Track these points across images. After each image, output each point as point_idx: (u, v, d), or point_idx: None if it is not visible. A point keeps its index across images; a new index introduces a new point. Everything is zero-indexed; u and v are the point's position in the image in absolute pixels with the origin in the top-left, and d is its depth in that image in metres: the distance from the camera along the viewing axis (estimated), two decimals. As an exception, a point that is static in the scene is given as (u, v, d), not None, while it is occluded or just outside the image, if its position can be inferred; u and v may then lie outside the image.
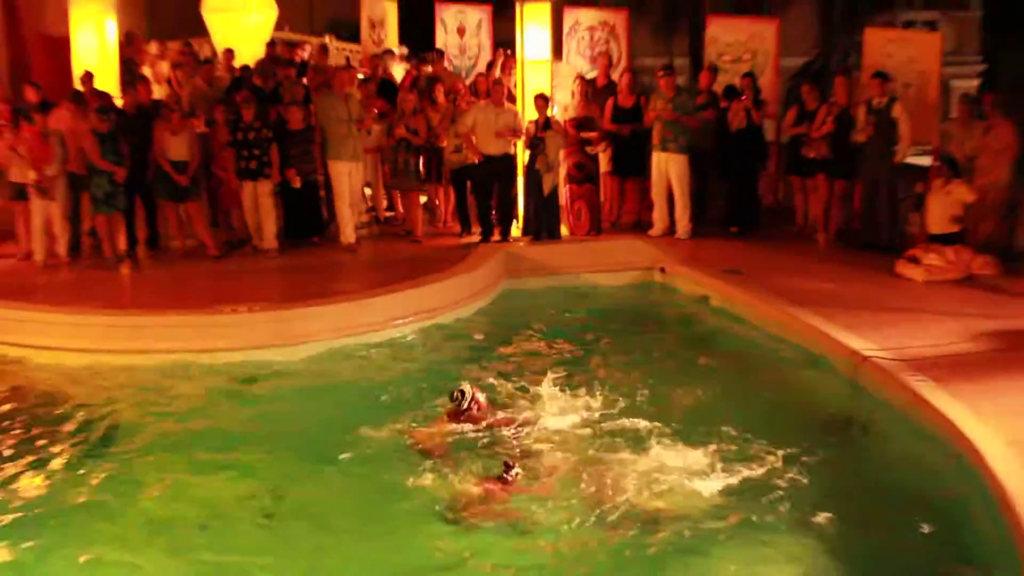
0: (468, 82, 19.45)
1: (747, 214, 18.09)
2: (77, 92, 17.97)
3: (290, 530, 10.90)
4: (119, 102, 18.07)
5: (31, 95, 18.10)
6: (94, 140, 16.57)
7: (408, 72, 20.46)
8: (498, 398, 13.00)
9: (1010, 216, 16.17)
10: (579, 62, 19.75)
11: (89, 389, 14.06)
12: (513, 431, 12.15)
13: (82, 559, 10.41)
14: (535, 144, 17.52)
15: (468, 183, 18.01)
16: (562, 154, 17.70)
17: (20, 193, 17.04)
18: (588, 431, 12.40)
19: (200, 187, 17.50)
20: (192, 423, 13.15)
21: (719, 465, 11.50)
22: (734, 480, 11.23)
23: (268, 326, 15.00)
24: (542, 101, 17.64)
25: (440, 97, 18.29)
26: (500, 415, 12.38)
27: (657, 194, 17.86)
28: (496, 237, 17.75)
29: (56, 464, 12.23)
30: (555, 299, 16.65)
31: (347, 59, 22.76)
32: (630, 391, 13.42)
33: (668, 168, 17.58)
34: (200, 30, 24.79)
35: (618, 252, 17.65)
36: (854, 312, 14.41)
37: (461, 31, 21.04)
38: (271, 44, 23.53)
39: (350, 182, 17.66)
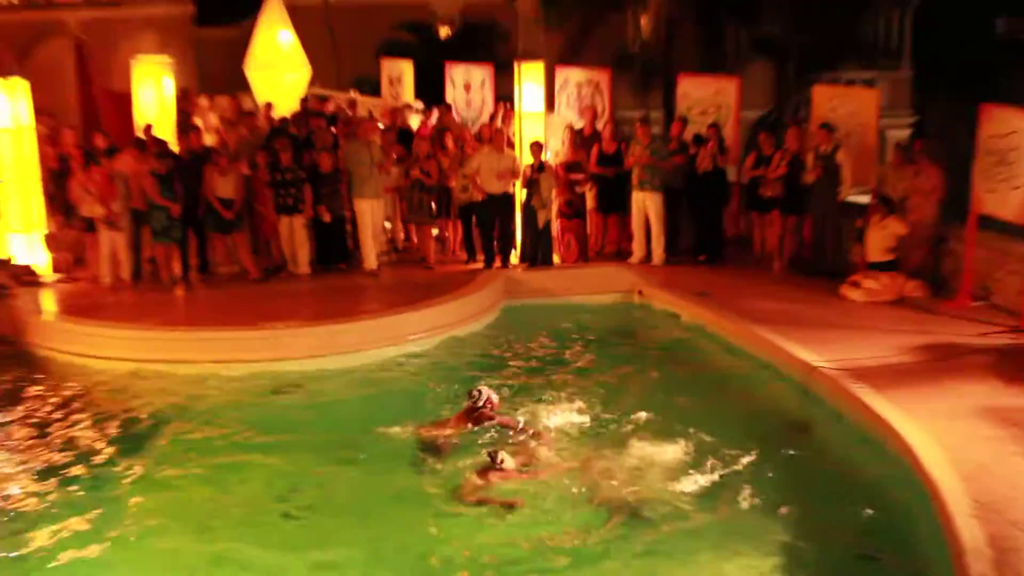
0: (473, 131, 19.46)
1: (713, 244, 18.07)
2: (139, 139, 17.98)
3: (312, 514, 10.92)
4: (175, 148, 18.07)
5: (100, 142, 18.15)
6: (153, 180, 16.58)
7: (422, 122, 20.49)
8: (500, 401, 12.99)
9: (937, 247, 16.17)
10: (568, 114, 19.75)
11: (147, 392, 14.09)
12: (513, 430, 12.16)
13: (131, 537, 10.48)
14: (531, 184, 17.53)
15: (473, 217, 18.01)
16: (554, 193, 17.70)
17: (90, 225, 17.05)
18: (576, 430, 12.41)
19: (244, 221, 17.48)
20: (236, 422, 13.14)
21: (689, 460, 11.51)
22: (702, 471, 11.23)
23: (302, 340, 14.99)
24: (537, 147, 17.67)
25: (449, 144, 18.31)
26: (504, 415, 12.38)
27: (636, 227, 17.86)
28: (497, 264, 17.75)
29: (116, 453, 12.29)
30: (548, 317, 16.62)
31: (369, 112, 22.75)
32: (612, 396, 13.43)
33: (645, 205, 17.59)
34: (243, 86, 24.87)
35: (602, 277, 17.63)
36: (805, 328, 14.41)
37: (467, 87, 21.05)
38: (304, 99, 23.60)
39: (372, 217, 17.66)
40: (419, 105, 21.82)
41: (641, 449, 11.64)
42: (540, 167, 17.51)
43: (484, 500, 10.88)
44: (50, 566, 10.00)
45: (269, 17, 25.56)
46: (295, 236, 17.42)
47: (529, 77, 18.46)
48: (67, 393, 14.13)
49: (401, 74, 23.20)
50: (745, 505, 10.62)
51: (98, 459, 12.18)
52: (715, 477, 11.12)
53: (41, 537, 10.50)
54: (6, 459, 12.18)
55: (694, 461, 11.44)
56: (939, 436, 10.91)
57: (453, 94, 21.17)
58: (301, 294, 16.84)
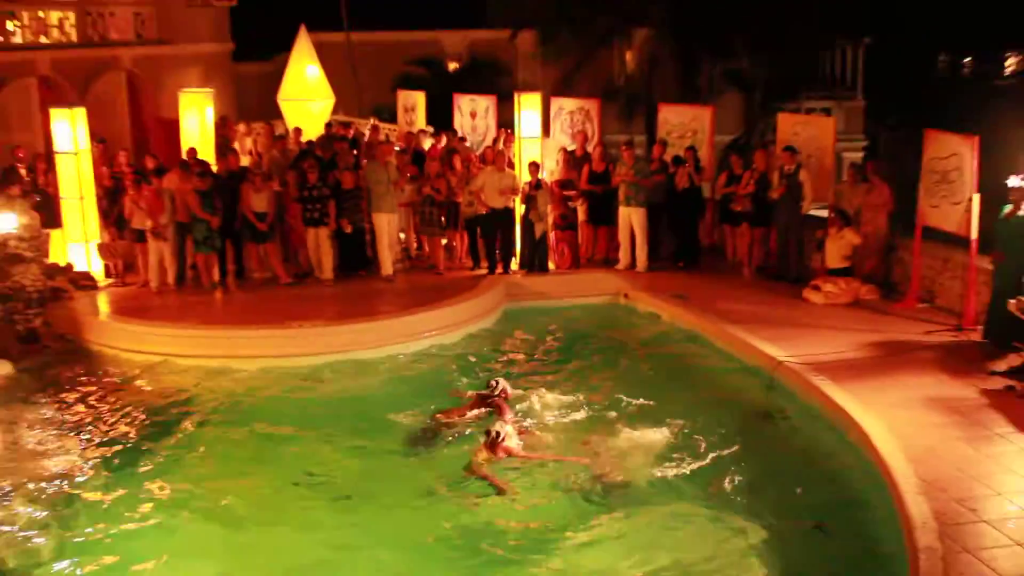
0: (478, 153, 19.37)
1: (690, 253, 17.96)
2: (184, 161, 17.89)
3: (328, 493, 10.92)
4: (215, 168, 17.99)
5: (149, 163, 18.09)
6: (196, 197, 16.50)
7: (433, 145, 20.39)
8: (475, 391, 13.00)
9: (887, 256, 16.09)
10: (562, 138, 19.64)
11: (189, 384, 14.07)
12: (512, 417, 12.10)
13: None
14: (529, 200, 17.45)
15: (478, 229, 17.92)
16: (549, 207, 17.62)
17: (140, 236, 16.99)
18: (567, 418, 12.39)
19: (275, 232, 17.40)
20: (267, 411, 13.19)
21: (669, 445, 11.51)
22: (680, 455, 11.24)
23: (327, 338, 14.94)
24: (534, 167, 17.59)
25: (457, 164, 18.22)
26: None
27: (622, 237, 17.75)
28: (499, 270, 17.65)
29: (157, 437, 12.32)
30: (544, 317, 16.54)
31: (386, 136, 22.67)
32: (600, 388, 13.42)
33: (631, 218, 17.49)
34: (276, 114, 24.81)
35: (592, 282, 17.53)
36: (772, 327, 14.36)
37: (473, 115, 20.95)
38: (328, 124, 23.52)
39: (389, 229, 17.58)
40: (430, 130, 21.74)
41: (626, 435, 11.62)
42: (537, 185, 17.44)
43: (485, 476, 10.83)
44: (88, 540, 10.02)
45: (299, 53, 25.48)
46: (320, 246, 17.34)
47: (528, 106, 18.38)
48: (118, 384, 14.14)
49: (415, 103, 23.10)
50: (717, 484, 10.61)
51: (142, 444, 12.18)
52: (691, 459, 11.10)
53: (80, 510, 10.49)
54: (61, 440, 12.16)
55: (673, 446, 11.42)
56: (891, 423, 10.90)
57: (460, 121, 21.09)
58: (325, 297, 16.75)
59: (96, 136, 18.69)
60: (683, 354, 14.89)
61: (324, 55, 26.58)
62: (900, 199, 16.14)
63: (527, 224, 17.57)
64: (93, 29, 26.77)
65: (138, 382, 14.19)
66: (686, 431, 11.70)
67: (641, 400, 12.73)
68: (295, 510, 10.58)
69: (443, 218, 18.07)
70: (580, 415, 12.37)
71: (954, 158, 14.55)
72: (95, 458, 11.69)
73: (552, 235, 17.98)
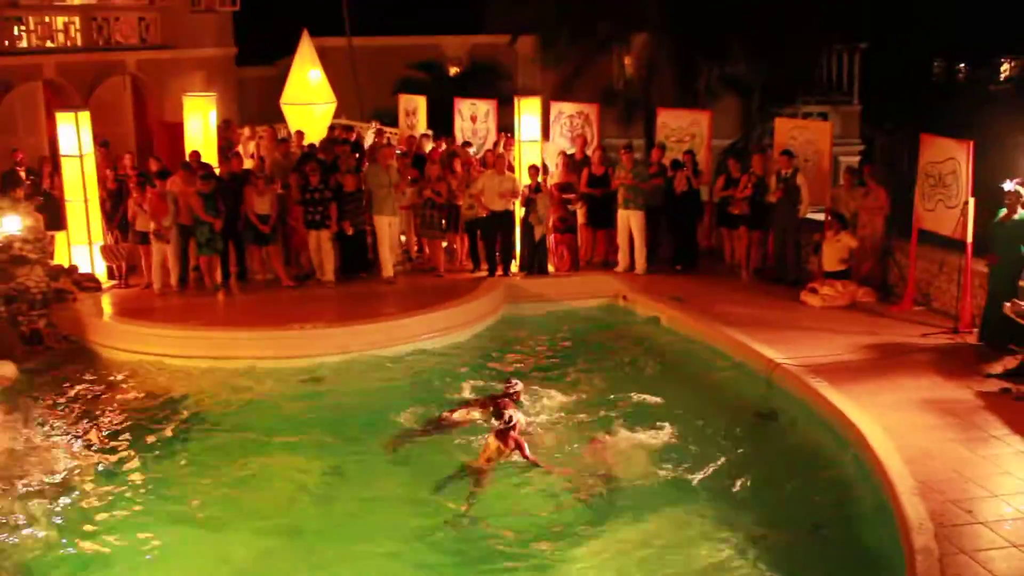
0: (478, 157, 19.33)
1: (688, 255, 17.93)
2: (187, 163, 17.88)
3: (331, 491, 10.88)
4: (218, 171, 17.96)
5: (153, 165, 18.04)
6: (199, 199, 16.47)
7: (434, 148, 20.35)
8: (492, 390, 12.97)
9: (884, 259, 16.08)
10: (562, 142, 19.63)
11: (191, 385, 14.04)
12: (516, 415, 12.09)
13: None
14: (529, 203, 17.42)
15: (478, 232, 17.89)
16: (549, 210, 17.59)
17: (144, 238, 16.95)
18: (569, 417, 12.37)
19: (278, 234, 17.37)
20: (269, 411, 13.18)
21: (667, 445, 11.52)
22: (679, 454, 11.27)
23: (328, 339, 14.92)
24: (534, 170, 17.56)
25: (458, 168, 18.19)
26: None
27: (621, 240, 17.71)
28: (499, 273, 17.62)
29: (161, 438, 12.30)
30: (544, 319, 16.55)
31: (388, 139, 22.63)
32: (599, 388, 13.42)
33: (629, 221, 17.45)
34: (278, 118, 24.78)
35: (591, 284, 17.50)
36: (769, 329, 14.33)
37: (473, 118, 20.91)
38: (331, 128, 23.48)
39: (390, 231, 17.55)
40: (429, 133, 21.72)
41: (624, 437, 11.62)
42: (537, 188, 17.41)
43: (483, 471, 10.83)
44: (98, 546, 9.98)
45: (302, 57, 25.45)
46: (322, 248, 17.31)
47: (527, 110, 18.37)
48: (121, 385, 14.12)
49: (416, 107, 23.07)
50: (714, 484, 10.62)
51: (145, 444, 12.17)
52: (689, 462, 11.10)
53: (85, 510, 10.47)
54: (64, 442, 12.14)
55: (671, 448, 11.42)
56: (886, 424, 10.89)
57: (461, 125, 21.06)
58: (327, 299, 16.72)
59: (100, 139, 18.66)
60: (681, 356, 14.86)
61: (326, 59, 26.57)
62: (896, 203, 16.14)
63: (527, 227, 17.54)
64: (98, 34, 26.76)
65: (140, 383, 14.16)
66: (684, 433, 11.69)
67: (639, 402, 12.73)
68: (298, 511, 10.56)
69: (444, 221, 18.04)
70: (578, 417, 12.35)
71: (950, 162, 14.53)
72: (97, 459, 11.67)
73: (552, 238, 17.95)
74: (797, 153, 16.97)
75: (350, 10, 32.57)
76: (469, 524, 10.02)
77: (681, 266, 17.85)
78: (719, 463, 11.00)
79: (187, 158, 18.30)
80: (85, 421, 12.75)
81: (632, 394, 12.98)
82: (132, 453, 11.83)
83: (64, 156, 17.40)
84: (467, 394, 13.11)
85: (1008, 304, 12.43)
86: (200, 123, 19.58)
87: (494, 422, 11.53)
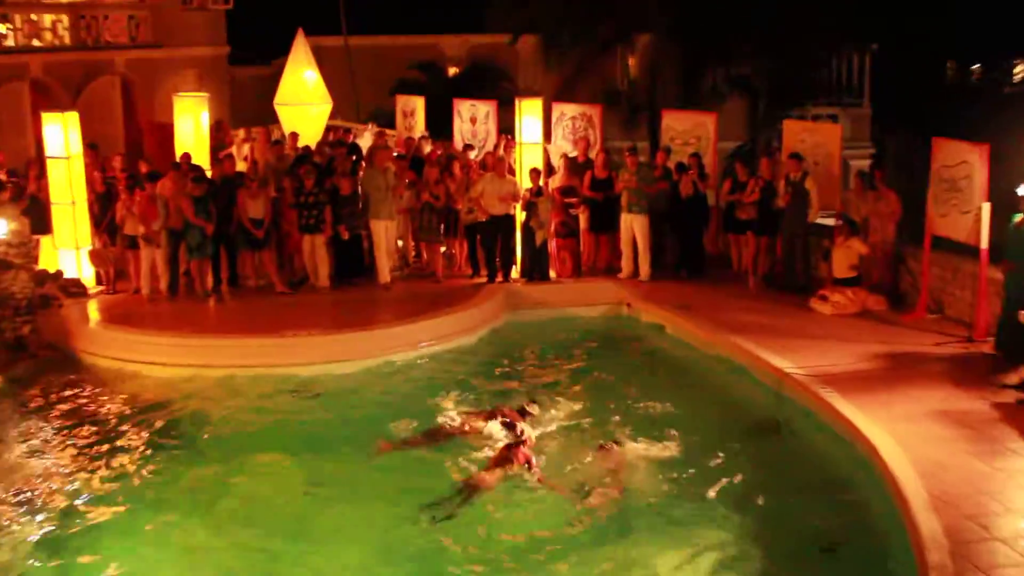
0: (478, 159, 19.30)
1: (694, 261, 17.89)
2: (176, 162, 17.88)
3: (325, 506, 10.81)
4: (209, 173, 17.93)
5: (143, 167, 18.03)
6: (190, 202, 16.44)
7: (432, 151, 20.33)
8: (504, 403, 12.90)
9: (895, 265, 16.05)
10: (564, 144, 19.62)
11: (182, 395, 13.99)
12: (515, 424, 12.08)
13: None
14: (530, 207, 17.39)
15: (478, 236, 17.86)
16: (551, 214, 17.56)
17: (132, 243, 16.92)
18: (572, 429, 12.32)
19: (271, 239, 17.34)
20: (261, 422, 13.13)
21: (672, 457, 11.48)
22: (684, 468, 11.22)
23: (323, 347, 14.89)
24: (535, 174, 17.54)
25: (457, 171, 18.17)
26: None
27: (624, 245, 17.68)
28: (499, 279, 17.58)
29: (149, 450, 12.24)
30: (545, 327, 16.50)
31: (385, 141, 22.62)
32: (602, 399, 13.36)
33: (633, 226, 17.42)
34: (271, 119, 24.75)
35: (594, 291, 17.47)
36: (777, 338, 14.28)
37: (473, 120, 20.91)
38: (327, 130, 23.45)
39: (386, 236, 17.52)
40: (426, 135, 21.72)
41: (628, 450, 11.55)
42: (538, 191, 17.38)
43: (483, 486, 10.79)
44: (83, 556, 9.93)
45: (296, 57, 25.43)
46: (316, 253, 17.27)
47: (529, 111, 18.33)
48: (108, 394, 14.07)
49: (414, 108, 23.08)
50: (721, 498, 10.55)
51: (134, 453, 12.12)
52: (695, 473, 11.05)
53: (73, 527, 10.43)
54: (50, 455, 12.09)
55: (676, 460, 11.38)
56: (899, 436, 10.84)
57: (460, 126, 21.04)
58: (321, 305, 16.69)
59: (88, 141, 18.61)
60: (687, 366, 14.83)
61: (322, 59, 26.56)
62: (908, 208, 16.12)
63: (528, 232, 17.50)
64: (87, 32, 26.77)
65: (129, 392, 14.10)
66: (690, 446, 11.64)
67: (643, 414, 12.69)
68: (288, 522, 10.49)
69: (442, 225, 18.01)
70: (581, 429, 12.29)
71: (963, 166, 14.51)
72: (82, 470, 11.62)
73: (553, 243, 17.92)
74: (806, 156, 16.94)
75: (347, 9, 32.63)
76: (464, 541, 9.96)
77: (687, 273, 17.81)
78: (726, 477, 10.94)
79: (178, 160, 18.27)
80: (70, 431, 12.69)
81: (636, 405, 12.94)
82: (118, 464, 11.77)
83: (51, 158, 17.37)
84: (466, 405, 13.06)
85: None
86: (191, 124, 19.54)
87: (501, 434, 11.49)
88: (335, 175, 17.74)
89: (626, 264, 17.75)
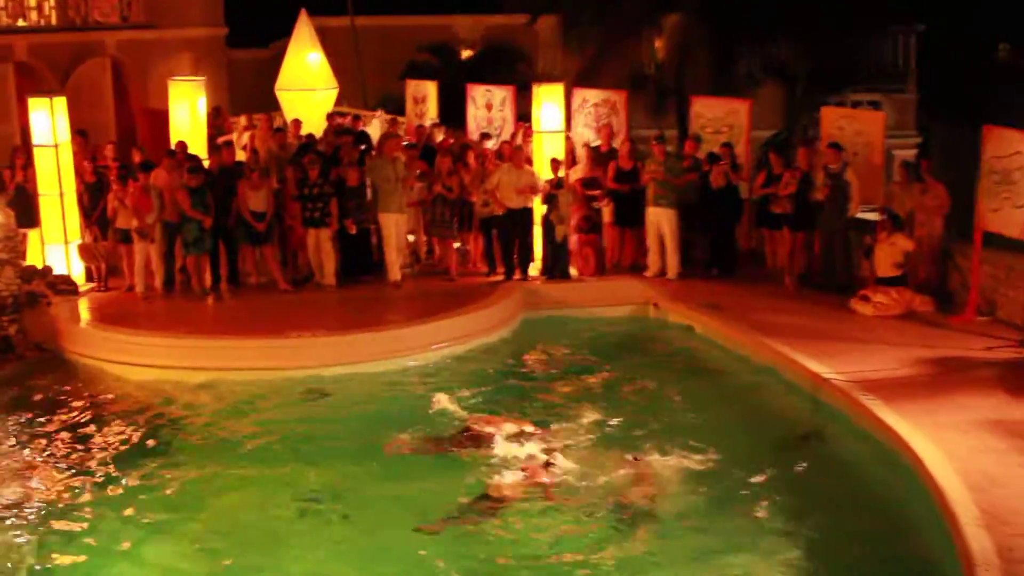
0: (494, 149, 19.35)
1: (726, 259, 17.91)
2: (171, 150, 17.98)
3: (331, 517, 10.86)
4: (206, 163, 18.03)
5: (136, 156, 18.12)
6: (186, 194, 16.53)
7: (443, 140, 20.39)
8: (521, 409, 12.94)
9: (943, 263, 16.04)
10: (586, 132, 19.66)
11: (178, 398, 14.08)
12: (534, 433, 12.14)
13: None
14: (550, 200, 17.43)
15: (494, 231, 17.91)
16: (572, 208, 17.59)
17: (125, 237, 17.00)
18: (593, 439, 12.34)
19: (273, 233, 17.42)
20: (262, 428, 13.17)
21: (703, 468, 11.49)
22: (715, 479, 11.23)
23: (328, 349, 14.96)
24: (555, 164, 17.59)
25: (471, 161, 18.23)
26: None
27: (651, 241, 17.72)
28: (517, 276, 17.63)
29: (142, 456, 12.32)
30: (565, 328, 16.55)
31: (397, 130, 22.68)
32: (628, 406, 13.40)
33: (660, 220, 17.46)
34: (273, 105, 24.84)
35: (618, 290, 17.52)
36: (815, 341, 14.29)
37: (488, 107, 20.97)
38: (331, 115, 23.52)
39: (396, 230, 17.58)
40: (436, 121, 21.79)
41: (655, 459, 11.57)
42: (559, 183, 17.41)
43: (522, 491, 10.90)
44: (70, 564, 10.01)
45: (299, 39, 25.51)
46: (322, 248, 17.34)
47: (548, 97, 18.38)
48: (99, 398, 14.17)
49: (425, 94, 23.15)
50: (755, 512, 10.56)
51: (124, 462, 12.19)
52: (727, 485, 11.07)
53: (61, 536, 10.50)
54: (38, 460, 12.17)
55: (706, 471, 11.40)
56: (947, 448, 10.83)
57: (474, 113, 21.09)
58: (327, 304, 16.77)
59: (77, 127, 18.71)
60: (717, 370, 14.85)
61: (326, 41, 26.62)
62: (957, 201, 16.08)
63: (547, 226, 17.55)
64: (75, 12, 26.83)
65: (121, 396, 14.20)
66: (720, 454, 11.66)
67: (671, 421, 12.72)
68: (289, 532, 10.57)
69: (456, 219, 18.06)
70: (604, 438, 12.32)
71: (1017, 156, 14.48)
72: (71, 478, 11.69)
73: (574, 238, 17.95)
74: (846, 146, 16.93)
75: (353, -13, 32.73)
76: (481, 553, 10.02)
77: (718, 270, 17.84)
78: (758, 489, 10.96)
79: (172, 148, 18.37)
80: (59, 437, 12.78)
81: (663, 412, 12.98)
82: (110, 471, 11.85)
83: (37, 146, 17.45)
84: (479, 411, 13.09)
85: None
86: (187, 110, 19.68)
87: (513, 449, 11.58)
88: (341, 165, 17.80)
89: (652, 261, 17.78)
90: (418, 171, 18.16)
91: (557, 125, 18.47)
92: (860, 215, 17.18)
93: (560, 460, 11.63)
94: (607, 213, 18.27)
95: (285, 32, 26.47)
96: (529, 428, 12.15)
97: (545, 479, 11.18)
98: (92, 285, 17.47)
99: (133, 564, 10.02)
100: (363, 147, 19.41)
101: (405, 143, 19.25)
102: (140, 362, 14.89)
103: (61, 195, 17.33)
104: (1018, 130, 14.70)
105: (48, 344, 15.72)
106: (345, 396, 14.03)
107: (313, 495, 11.30)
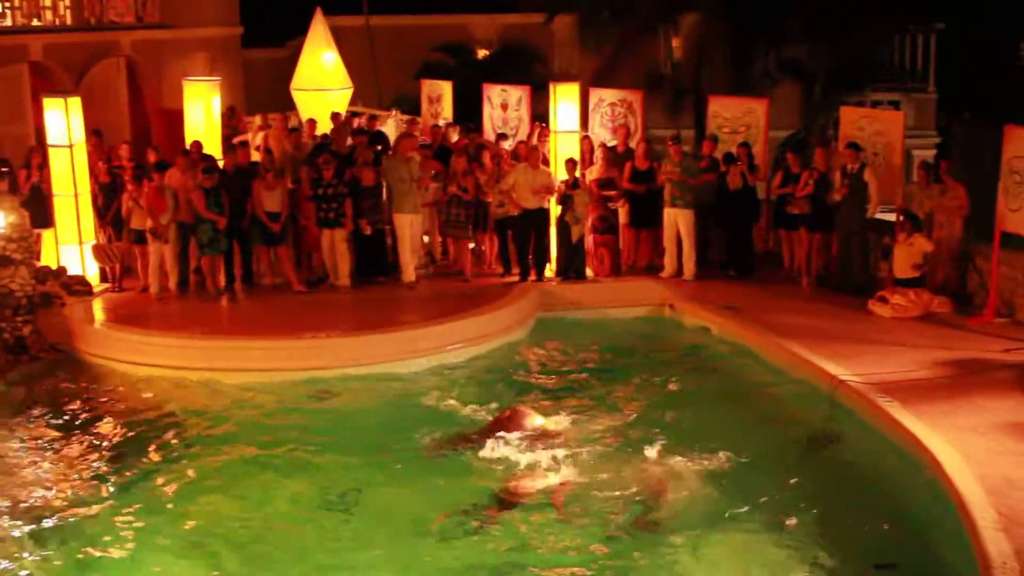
0: (510, 149, 19.35)
1: (743, 260, 17.90)
2: (185, 150, 18.05)
3: (348, 519, 10.89)
4: (221, 163, 18.08)
5: (151, 157, 18.17)
6: (201, 194, 16.58)
7: (459, 140, 20.40)
8: (537, 412, 12.96)
9: (962, 264, 16.00)
10: (602, 132, 19.65)
11: (192, 399, 14.12)
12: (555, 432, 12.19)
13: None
14: (565, 200, 17.44)
15: (509, 232, 17.92)
16: (587, 209, 17.60)
17: (140, 238, 17.06)
18: (610, 440, 12.35)
19: (288, 234, 17.46)
20: (277, 429, 13.20)
21: (719, 469, 11.48)
22: (731, 480, 11.21)
23: (343, 350, 15.00)
24: (571, 164, 17.59)
25: (487, 161, 18.24)
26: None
27: (667, 242, 17.72)
28: (532, 277, 17.64)
29: (157, 458, 12.37)
30: (581, 330, 16.55)
31: (414, 131, 22.69)
32: (643, 407, 13.40)
33: (677, 221, 17.46)
34: (288, 104, 24.87)
35: (634, 291, 17.53)
36: (832, 343, 14.28)
37: (504, 107, 20.95)
38: (336, 115, 23.57)
39: (411, 231, 17.61)
40: (450, 120, 21.79)
41: (671, 458, 11.58)
42: (575, 184, 17.42)
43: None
44: (78, 561, 10.11)
45: (314, 38, 25.49)
46: (336, 249, 17.37)
47: (564, 97, 18.40)
48: (112, 398, 14.23)
49: (440, 94, 23.13)
50: (771, 514, 10.55)
51: (136, 462, 12.26)
52: (744, 487, 11.06)
53: (76, 538, 10.54)
54: (51, 462, 12.21)
55: (721, 473, 11.39)
56: (965, 450, 10.81)
57: (490, 113, 21.10)
58: (341, 305, 16.81)
59: (92, 127, 18.78)
60: (734, 372, 14.84)
61: (342, 40, 26.61)
62: (977, 202, 16.02)
63: (563, 227, 17.56)
64: (90, 11, 26.90)
65: (135, 397, 14.26)
66: (736, 457, 11.65)
67: (687, 423, 12.71)
68: (301, 535, 10.61)
69: (471, 220, 18.07)
70: (619, 438, 12.33)
71: (1038, 157, 14.47)
72: (86, 480, 11.75)
73: (590, 239, 17.96)
74: (865, 146, 16.90)
75: (368, -14, 32.73)
76: (492, 559, 10.04)
77: (734, 271, 17.83)
78: (774, 492, 10.95)
79: (187, 148, 18.42)
80: (73, 438, 12.84)
81: (680, 415, 12.97)
82: (124, 473, 11.90)
83: (52, 146, 17.51)
84: (493, 413, 13.09)
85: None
86: (202, 110, 19.72)
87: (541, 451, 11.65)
88: (356, 165, 17.83)
89: (669, 262, 17.77)
90: (433, 171, 18.18)
91: (573, 125, 18.49)
92: (878, 216, 17.18)
93: (573, 462, 11.67)
94: (623, 214, 18.28)
95: (301, 31, 26.45)
96: (552, 425, 12.22)
97: (559, 481, 11.20)
98: (106, 286, 17.54)
99: (145, 563, 10.06)
100: (379, 147, 19.41)
101: (420, 143, 19.26)
102: (154, 363, 14.95)
103: (76, 195, 17.39)
104: (1038, 129, 14.69)
105: (62, 345, 15.80)
106: (358, 397, 14.08)
107: (328, 496, 11.34)
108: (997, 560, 8.68)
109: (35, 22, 25.84)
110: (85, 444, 12.68)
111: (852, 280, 16.70)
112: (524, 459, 11.69)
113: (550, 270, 17.90)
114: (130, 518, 10.93)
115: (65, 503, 11.20)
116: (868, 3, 27.60)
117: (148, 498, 11.38)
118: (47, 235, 17.62)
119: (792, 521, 10.38)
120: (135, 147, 19.43)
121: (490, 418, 12.89)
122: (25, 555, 10.19)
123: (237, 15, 31.31)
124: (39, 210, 17.19)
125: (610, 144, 18.88)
